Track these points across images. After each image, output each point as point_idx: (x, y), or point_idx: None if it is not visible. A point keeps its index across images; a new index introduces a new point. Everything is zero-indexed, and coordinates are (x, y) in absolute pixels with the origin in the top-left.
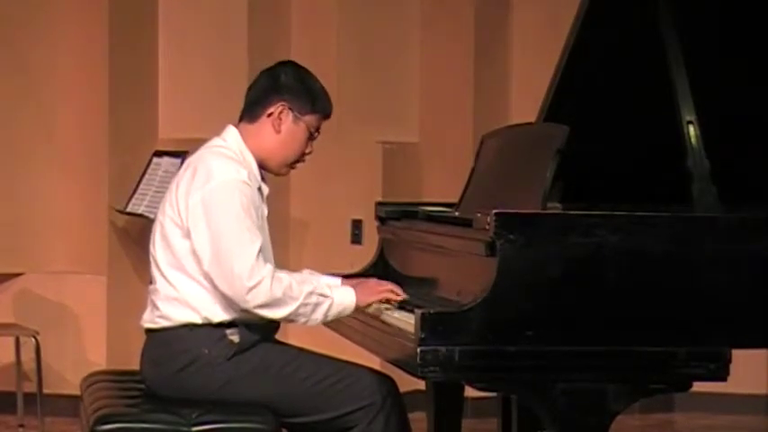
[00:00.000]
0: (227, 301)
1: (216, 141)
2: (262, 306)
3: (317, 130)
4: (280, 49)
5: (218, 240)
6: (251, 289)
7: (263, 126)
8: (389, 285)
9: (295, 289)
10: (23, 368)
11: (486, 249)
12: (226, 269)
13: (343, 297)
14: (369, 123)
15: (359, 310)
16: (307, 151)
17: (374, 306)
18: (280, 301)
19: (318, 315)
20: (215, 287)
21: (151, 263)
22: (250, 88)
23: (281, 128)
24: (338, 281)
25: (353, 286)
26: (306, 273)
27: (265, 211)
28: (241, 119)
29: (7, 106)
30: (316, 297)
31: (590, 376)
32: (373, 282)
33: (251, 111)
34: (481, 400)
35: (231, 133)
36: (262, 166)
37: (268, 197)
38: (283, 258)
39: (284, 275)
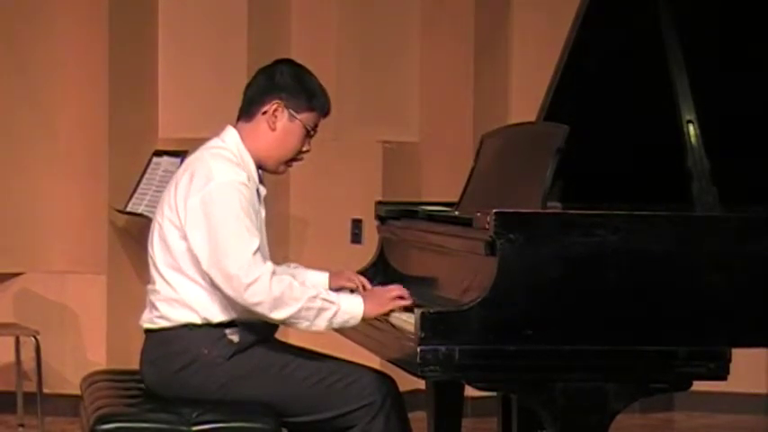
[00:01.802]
0: (226, 302)
1: (214, 142)
2: (261, 304)
3: (315, 128)
4: (280, 49)
5: (216, 239)
6: (249, 286)
7: (259, 124)
8: (396, 291)
9: (296, 290)
10: (23, 368)
11: (486, 249)
12: (223, 267)
13: (350, 306)
14: (369, 123)
15: (365, 321)
16: (304, 149)
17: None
18: (279, 300)
19: (322, 321)
20: (215, 288)
21: (150, 263)
22: (247, 87)
23: (277, 125)
24: (325, 276)
25: (363, 296)
26: (292, 266)
27: (263, 213)
28: (239, 118)
29: (7, 106)
30: (320, 302)
31: (590, 376)
32: (380, 290)
33: (248, 109)
34: (481, 399)
35: (230, 134)
36: (259, 166)
37: (266, 198)
38: (283, 258)
39: (285, 276)
